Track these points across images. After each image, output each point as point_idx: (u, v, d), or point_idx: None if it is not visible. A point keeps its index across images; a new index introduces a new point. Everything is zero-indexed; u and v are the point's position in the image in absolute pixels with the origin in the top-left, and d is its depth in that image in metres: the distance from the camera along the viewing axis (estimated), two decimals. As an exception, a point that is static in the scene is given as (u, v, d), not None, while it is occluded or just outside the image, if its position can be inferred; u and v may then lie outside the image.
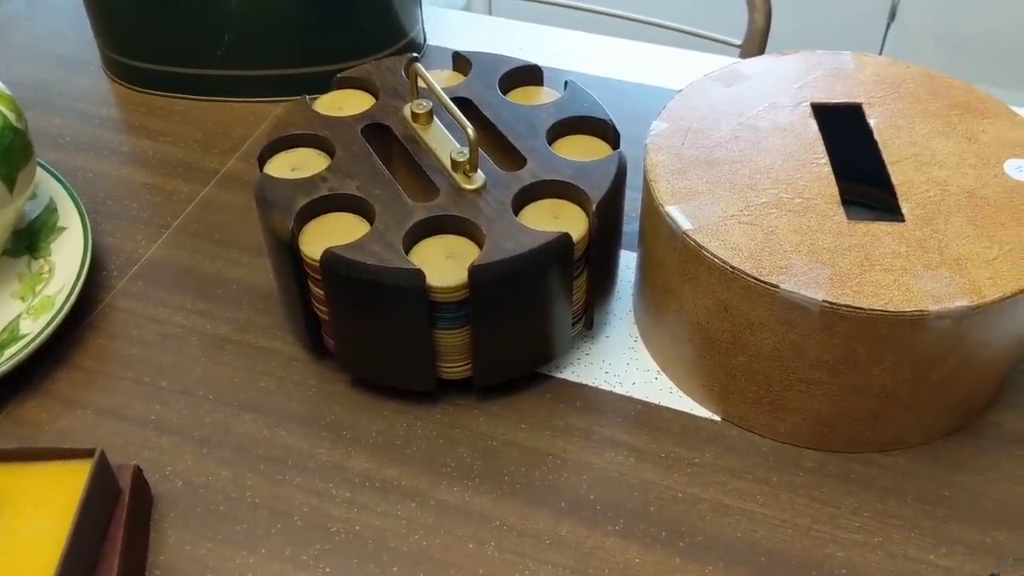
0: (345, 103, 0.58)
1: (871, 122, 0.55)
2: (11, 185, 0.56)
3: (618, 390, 0.55)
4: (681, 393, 0.55)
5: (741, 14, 0.96)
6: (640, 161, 0.64)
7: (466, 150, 0.52)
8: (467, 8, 1.88)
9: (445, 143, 0.54)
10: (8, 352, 0.54)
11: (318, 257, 0.49)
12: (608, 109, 0.57)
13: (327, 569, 0.47)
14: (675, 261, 0.50)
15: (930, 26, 1.72)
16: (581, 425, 0.53)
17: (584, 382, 0.55)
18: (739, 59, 0.78)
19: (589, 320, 0.56)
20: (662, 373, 0.56)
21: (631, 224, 0.63)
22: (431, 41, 0.81)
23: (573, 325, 0.55)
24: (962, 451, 0.52)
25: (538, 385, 0.55)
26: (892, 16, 1.74)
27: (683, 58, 0.80)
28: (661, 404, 0.54)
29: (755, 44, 0.93)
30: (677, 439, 0.53)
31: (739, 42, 0.97)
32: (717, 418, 0.53)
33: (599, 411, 0.54)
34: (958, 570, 0.47)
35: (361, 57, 0.74)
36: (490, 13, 1.85)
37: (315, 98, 0.58)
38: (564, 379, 0.55)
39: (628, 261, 0.62)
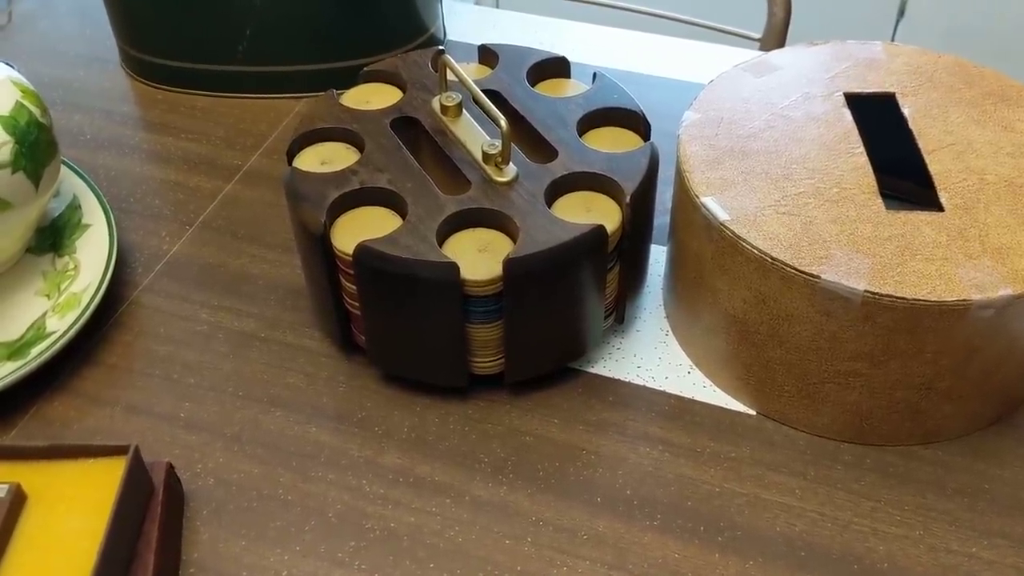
0: (372, 97, 0.57)
1: (905, 112, 0.54)
2: (37, 181, 0.55)
3: (651, 384, 0.54)
4: (715, 387, 0.54)
5: (758, 8, 0.96)
6: (666, 154, 0.64)
7: (497, 142, 0.51)
8: (477, 2, 1.87)
9: (475, 136, 0.54)
10: (35, 350, 0.53)
11: (351, 251, 0.48)
12: (634, 101, 0.56)
13: (363, 566, 0.47)
14: (710, 253, 0.50)
15: (939, 21, 1.71)
16: (614, 420, 0.53)
17: (616, 376, 0.55)
18: (760, 51, 0.77)
19: (621, 314, 0.55)
20: (695, 367, 0.55)
21: (660, 218, 0.63)
22: (450, 36, 0.81)
23: (605, 319, 0.54)
24: (1002, 442, 0.51)
25: (570, 380, 0.55)
26: (901, 12, 1.74)
27: (704, 51, 0.80)
28: (695, 398, 0.54)
29: (775, 38, 0.93)
30: (712, 433, 0.52)
31: (758, 36, 0.96)
32: (752, 412, 0.53)
33: (632, 406, 0.53)
34: (1001, 563, 0.47)
35: (382, 52, 0.73)
36: (497, 6, 1.84)
37: (342, 92, 0.57)
38: (596, 373, 0.55)
39: (657, 255, 0.61)
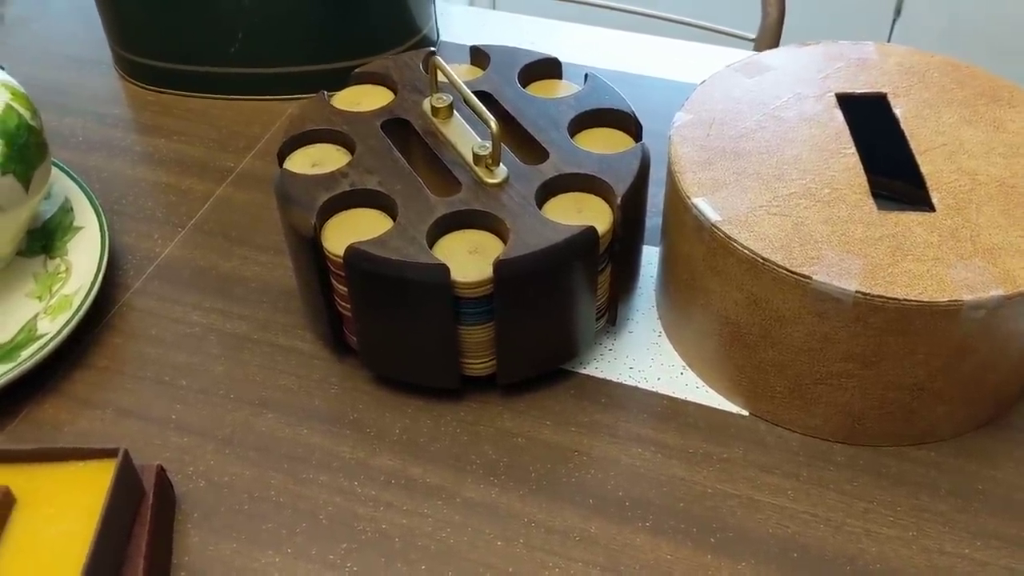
0: (363, 98, 0.57)
1: (897, 112, 0.54)
2: (27, 184, 0.55)
3: (643, 386, 0.54)
4: (707, 388, 0.54)
5: (752, 8, 0.96)
6: (659, 155, 0.63)
7: (488, 144, 0.51)
8: (471, 3, 1.87)
9: (466, 137, 0.54)
10: (25, 352, 0.53)
11: (341, 253, 0.48)
12: (626, 102, 0.56)
13: (354, 568, 0.47)
14: (702, 254, 0.49)
15: (935, 21, 1.71)
16: (607, 421, 0.53)
17: (608, 378, 0.55)
18: (754, 52, 0.77)
19: (613, 315, 0.55)
20: (687, 368, 0.55)
21: (652, 219, 0.63)
22: (442, 37, 0.81)
23: (597, 320, 0.54)
24: (995, 444, 0.51)
25: (562, 381, 0.54)
26: (898, 12, 1.74)
27: (697, 52, 0.80)
28: (687, 399, 0.54)
29: (769, 38, 0.93)
30: (705, 435, 0.52)
31: (752, 36, 0.96)
32: (745, 413, 0.53)
33: (624, 407, 0.53)
34: (994, 564, 0.46)
35: (375, 53, 0.73)
36: (494, 7, 1.84)
37: (333, 94, 0.57)
38: (588, 375, 0.55)
39: (649, 256, 0.61)
